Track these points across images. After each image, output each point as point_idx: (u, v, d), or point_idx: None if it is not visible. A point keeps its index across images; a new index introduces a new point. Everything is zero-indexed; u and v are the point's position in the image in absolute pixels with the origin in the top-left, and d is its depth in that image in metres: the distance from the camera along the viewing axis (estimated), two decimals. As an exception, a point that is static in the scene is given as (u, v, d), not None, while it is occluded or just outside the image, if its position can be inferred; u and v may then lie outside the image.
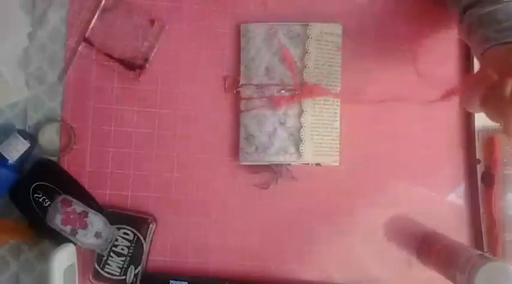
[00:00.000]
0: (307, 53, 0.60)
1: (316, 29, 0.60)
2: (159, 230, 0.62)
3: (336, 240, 0.63)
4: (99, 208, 0.61)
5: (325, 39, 0.61)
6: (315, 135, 0.60)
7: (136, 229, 0.61)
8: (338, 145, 0.61)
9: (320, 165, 0.61)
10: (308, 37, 0.60)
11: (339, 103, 0.61)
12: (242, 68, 0.62)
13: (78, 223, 0.59)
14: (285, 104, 0.60)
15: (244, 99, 0.61)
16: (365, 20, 0.63)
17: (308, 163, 0.61)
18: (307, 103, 0.60)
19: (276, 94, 0.60)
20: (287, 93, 0.60)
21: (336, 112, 0.61)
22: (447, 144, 0.64)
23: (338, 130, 0.61)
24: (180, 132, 0.63)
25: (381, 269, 0.63)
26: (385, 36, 0.64)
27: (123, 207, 0.62)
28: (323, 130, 0.61)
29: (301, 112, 0.60)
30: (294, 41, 0.61)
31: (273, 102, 0.60)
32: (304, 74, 0.60)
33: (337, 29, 0.61)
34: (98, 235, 0.59)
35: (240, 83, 0.62)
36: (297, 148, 0.60)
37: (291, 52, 0.60)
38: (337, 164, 0.61)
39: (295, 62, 0.60)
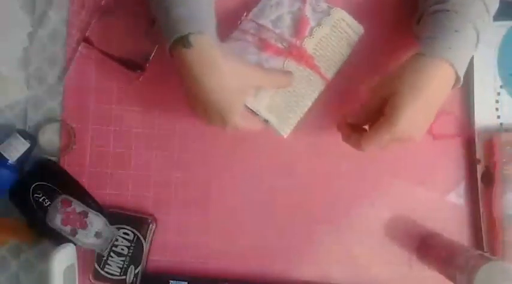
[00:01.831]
0: (319, 26, 0.59)
1: (339, 14, 0.59)
2: (159, 230, 0.62)
3: (335, 240, 0.63)
4: (99, 208, 0.61)
5: (342, 28, 0.59)
6: (279, 95, 0.58)
7: (136, 229, 0.61)
8: (296, 122, 0.59)
9: (267, 123, 0.58)
10: (329, 15, 0.59)
11: (322, 86, 0.59)
12: (255, 10, 0.61)
13: (78, 223, 0.59)
14: (271, 53, 0.58)
15: (239, 30, 0.60)
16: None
17: (257, 114, 0.57)
18: (291, 65, 0.58)
19: (269, 40, 0.58)
20: (280, 45, 0.58)
21: (314, 92, 0.59)
22: (447, 144, 0.64)
23: (306, 108, 0.59)
24: (180, 132, 0.63)
25: (380, 269, 0.63)
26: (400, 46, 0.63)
27: (123, 207, 0.62)
28: (290, 96, 0.58)
29: (281, 69, 0.58)
30: (316, 15, 0.59)
31: (263, 45, 0.58)
32: (305, 41, 0.59)
33: (358, 28, 0.60)
34: (98, 235, 0.59)
35: (246, 15, 0.61)
36: (256, 93, 0.57)
37: (309, 21, 0.59)
38: (285, 136, 0.58)
39: (306, 30, 0.59)
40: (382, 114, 0.52)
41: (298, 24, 0.59)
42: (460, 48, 0.51)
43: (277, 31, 0.59)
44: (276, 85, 0.57)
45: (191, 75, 0.50)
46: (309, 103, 0.59)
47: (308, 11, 0.59)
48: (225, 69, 0.50)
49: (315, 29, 0.59)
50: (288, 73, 0.57)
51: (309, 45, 0.59)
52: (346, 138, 0.56)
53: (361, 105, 0.55)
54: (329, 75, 0.60)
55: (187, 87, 0.52)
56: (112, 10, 0.63)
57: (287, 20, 0.59)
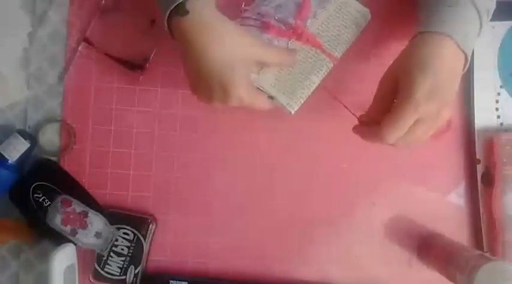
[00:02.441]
0: (323, 8, 0.58)
1: None
2: (159, 230, 0.62)
3: (335, 240, 0.63)
4: (99, 208, 0.61)
5: (347, 10, 0.58)
6: (285, 72, 0.56)
7: (136, 229, 0.61)
8: (304, 97, 0.56)
9: (272, 99, 0.56)
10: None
11: (330, 64, 0.57)
12: (258, 0, 0.60)
13: (78, 223, 0.59)
14: (274, 34, 0.57)
15: (241, 18, 0.59)
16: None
17: (262, 89, 0.56)
18: (295, 45, 0.57)
19: (272, 22, 0.57)
20: (283, 27, 0.57)
21: (321, 70, 0.57)
22: (447, 144, 0.64)
23: (314, 85, 0.57)
24: (180, 132, 0.63)
25: (380, 269, 0.63)
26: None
27: (123, 207, 0.62)
28: (296, 73, 0.56)
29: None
30: (319, 1, 0.59)
31: (265, 26, 0.57)
32: (309, 22, 0.57)
33: (364, 11, 0.59)
34: (98, 235, 0.59)
35: (244, 5, 0.60)
36: (260, 71, 0.55)
37: (311, 4, 0.58)
38: (292, 112, 0.56)
39: (309, 12, 0.58)
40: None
41: (301, 7, 0.58)
42: (455, 22, 0.50)
43: (280, 15, 0.58)
44: (279, 60, 0.55)
45: (190, 45, 0.48)
46: (317, 81, 0.57)
47: None
48: (225, 36, 0.48)
49: (318, 12, 0.58)
50: (292, 50, 0.56)
51: (313, 26, 0.58)
52: (365, 134, 0.53)
53: (373, 99, 0.53)
54: (337, 53, 0.58)
55: (188, 62, 0.50)
56: (112, 10, 0.63)
57: (290, 6, 0.59)
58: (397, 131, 0.48)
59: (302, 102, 0.56)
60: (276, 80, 0.56)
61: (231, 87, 0.49)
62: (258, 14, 0.58)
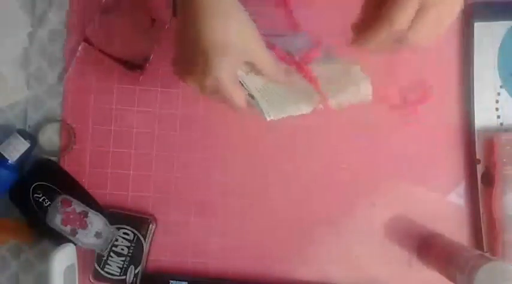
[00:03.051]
0: (330, 60, 0.56)
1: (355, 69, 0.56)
2: (159, 230, 0.62)
3: (335, 240, 0.63)
4: (99, 208, 0.61)
5: (352, 76, 0.56)
6: (274, 85, 0.53)
7: (136, 229, 0.61)
8: (285, 115, 0.52)
9: (252, 99, 0.52)
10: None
11: (319, 104, 0.54)
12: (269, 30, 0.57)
13: (78, 223, 0.59)
14: (277, 56, 0.54)
15: None
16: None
17: (245, 87, 0.52)
18: (292, 72, 0.55)
19: (277, 46, 0.55)
20: (286, 54, 0.55)
21: (311, 103, 0.54)
22: (447, 144, 0.64)
23: (299, 111, 0.53)
24: (180, 132, 0.63)
25: (380, 269, 0.63)
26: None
27: (123, 207, 0.62)
28: (288, 92, 0.54)
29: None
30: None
31: (271, 47, 0.54)
32: (312, 64, 0.55)
33: (366, 92, 0.55)
34: (98, 235, 0.59)
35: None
36: (249, 73, 0.52)
37: (321, 51, 0.57)
38: (268, 119, 0.51)
39: (315, 58, 0.56)
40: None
41: (310, 51, 0.56)
42: None
43: (287, 48, 0.56)
44: (273, 74, 0.51)
45: (196, 13, 0.45)
46: (304, 110, 0.54)
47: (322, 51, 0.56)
48: (233, 22, 0.46)
49: (324, 60, 0.56)
50: (289, 72, 0.54)
51: (315, 68, 0.55)
52: (367, 34, 0.45)
53: (361, 7, 0.48)
54: (331, 99, 0.54)
55: (184, 29, 0.47)
56: (112, 10, 0.63)
57: (299, 45, 0.57)
58: (405, 10, 0.41)
59: (281, 117, 0.52)
60: (263, 87, 0.53)
61: (214, 65, 0.45)
62: (266, 35, 0.54)
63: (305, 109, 0.54)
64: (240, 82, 0.50)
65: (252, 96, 0.52)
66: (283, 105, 0.53)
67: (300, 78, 0.55)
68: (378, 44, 0.45)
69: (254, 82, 0.52)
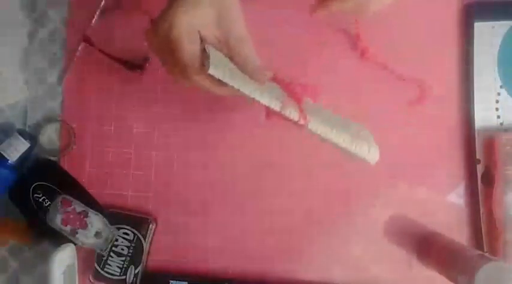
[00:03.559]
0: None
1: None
2: (159, 230, 0.62)
3: (336, 240, 0.63)
4: (99, 208, 0.61)
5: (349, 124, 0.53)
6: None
7: (136, 229, 0.61)
8: (237, 88, 0.46)
9: (207, 54, 0.46)
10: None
11: (294, 114, 0.49)
12: None
13: (78, 223, 0.59)
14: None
15: None
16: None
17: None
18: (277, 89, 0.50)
19: None
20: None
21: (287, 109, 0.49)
22: (447, 144, 0.64)
23: (265, 100, 0.47)
24: (180, 132, 0.63)
25: (380, 269, 0.63)
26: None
27: (123, 207, 0.62)
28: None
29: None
30: None
31: None
32: (306, 101, 0.51)
33: (373, 157, 0.52)
34: (98, 235, 0.59)
35: None
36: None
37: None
38: (212, 73, 0.45)
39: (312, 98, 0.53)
40: None
41: (310, 89, 0.52)
42: None
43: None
44: (250, 69, 0.47)
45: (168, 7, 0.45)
46: (275, 105, 0.48)
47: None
48: (233, 9, 0.46)
49: (320, 104, 0.53)
50: (268, 73, 0.48)
51: (307, 104, 0.51)
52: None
53: None
54: (310, 122, 0.49)
55: (174, 6, 0.45)
56: (112, 10, 0.63)
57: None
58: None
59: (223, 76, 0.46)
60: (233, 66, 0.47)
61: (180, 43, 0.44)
62: None
63: (277, 105, 0.48)
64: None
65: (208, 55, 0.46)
66: (248, 84, 0.47)
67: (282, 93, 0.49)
68: (338, 9, 0.47)
69: (221, 59, 0.47)
